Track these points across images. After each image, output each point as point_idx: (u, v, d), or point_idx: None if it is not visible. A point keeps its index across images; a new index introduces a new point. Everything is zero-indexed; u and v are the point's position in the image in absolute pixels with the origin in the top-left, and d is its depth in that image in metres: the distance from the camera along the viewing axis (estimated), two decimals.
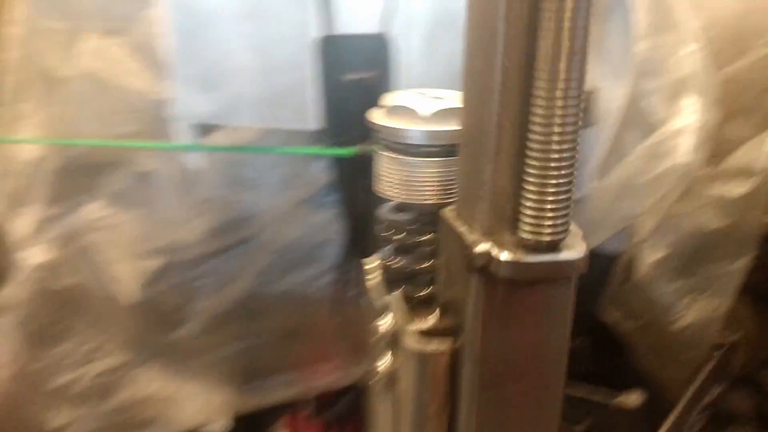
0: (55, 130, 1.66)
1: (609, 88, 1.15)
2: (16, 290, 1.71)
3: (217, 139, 1.33)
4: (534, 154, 0.34)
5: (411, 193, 0.39)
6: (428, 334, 0.30)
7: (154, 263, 1.63)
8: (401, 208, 0.40)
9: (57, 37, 1.61)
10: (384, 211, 0.40)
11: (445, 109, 0.42)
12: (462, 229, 0.30)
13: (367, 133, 1.07)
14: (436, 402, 0.31)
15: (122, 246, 1.67)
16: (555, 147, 0.34)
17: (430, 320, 0.30)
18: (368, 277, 0.39)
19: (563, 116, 0.33)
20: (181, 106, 1.20)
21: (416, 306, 0.33)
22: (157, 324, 1.68)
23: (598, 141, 1.21)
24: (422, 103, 0.41)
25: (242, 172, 1.49)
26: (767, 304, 2.38)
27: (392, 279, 0.37)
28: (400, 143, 0.41)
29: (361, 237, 1.19)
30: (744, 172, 1.29)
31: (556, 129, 0.34)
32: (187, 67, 1.18)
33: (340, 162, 1.14)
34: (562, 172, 0.32)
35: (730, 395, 2.32)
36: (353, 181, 1.10)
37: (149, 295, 1.64)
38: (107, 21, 1.54)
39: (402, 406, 0.33)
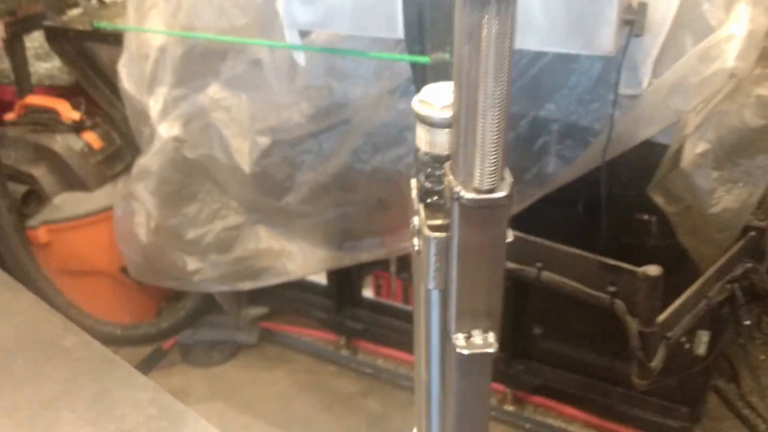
0: (180, 22, 1.89)
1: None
2: (152, 159, 2.04)
3: (315, 41, 1.54)
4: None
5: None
6: (435, 228, 0.50)
7: (265, 140, 1.89)
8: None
9: None
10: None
11: None
12: (450, 177, 0.48)
13: (440, 44, 1.26)
14: (441, 266, 0.52)
15: (239, 124, 1.94)
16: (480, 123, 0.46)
17: (437, 220, 0.50)
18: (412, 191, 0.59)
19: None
20: (287, 15, 1.41)
21: (433, 210, 0.53)
22: (268, 191, 1.97)
23: (651, 46, 1.34)
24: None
25: (339, 65, 1.70)
26: None
27: (424, 193, 0.55)
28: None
29: None
30: None
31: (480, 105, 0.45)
32: None
33: (418, 67, 1.33)
34: (491, 142, 0.48)
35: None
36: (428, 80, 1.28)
37: (261, 167, 1.92)
38: None
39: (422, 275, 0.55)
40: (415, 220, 0.57)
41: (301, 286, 2.30)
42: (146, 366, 2.38)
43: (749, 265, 1.44)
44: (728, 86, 1.36)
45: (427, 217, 0.55)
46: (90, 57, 2.19)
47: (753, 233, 1.44)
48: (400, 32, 1.23)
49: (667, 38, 1.36)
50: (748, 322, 1.98)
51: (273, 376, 2.38)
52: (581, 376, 1.97)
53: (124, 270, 2.20)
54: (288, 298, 2.42)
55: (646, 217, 1.60)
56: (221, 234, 2.10)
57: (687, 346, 1.69)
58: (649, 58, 1.33)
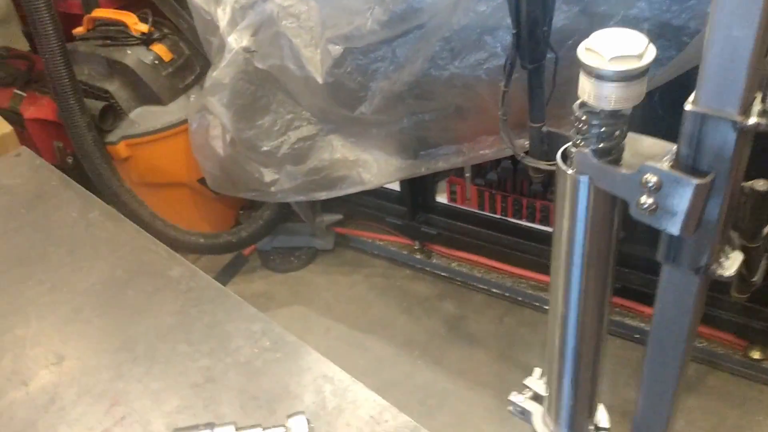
0: None
1: None
2: (224, 71, 2.01)
3: None
4: None
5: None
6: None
7: (337, 48, 1.84)
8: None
9: None
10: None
11: None
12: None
13: None
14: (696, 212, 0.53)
15: (309, 32, 1.88)
16: None
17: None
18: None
19: None
20: None
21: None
22: (342, 101, 1.94)
23: None
24: None
25: None
26: None
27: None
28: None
29: (527, 34, 1.31)
30: None
31: None
32: None
33: None
34: None
35: None
36: None
37: (334, 76, 1.87)
38: None
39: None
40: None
41: (375, 193, 2.30)
42: (229, 272, 2.47)
43: None
44: None
45: None
46: None
47: None
48: None
49: None
50: None
51: (350, 280, 2.44)
52: None
53: (202, 181, 2.23)
54: (362, 205, 2.44)
55: None
56: (296, 145, 2.10)
57: None
58: None
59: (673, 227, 0.51)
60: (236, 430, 0.78)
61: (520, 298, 2.25)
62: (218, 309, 1.00)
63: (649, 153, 0.54)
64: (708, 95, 0.47)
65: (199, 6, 1.97)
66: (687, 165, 0.50)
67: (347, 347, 2.17)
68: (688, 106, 0.48)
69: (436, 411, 1.97)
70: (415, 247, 2.43)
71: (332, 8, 1.81)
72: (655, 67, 1.54)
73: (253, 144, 2.08)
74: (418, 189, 2.31)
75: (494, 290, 2.29)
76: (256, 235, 2.37)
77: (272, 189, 2.16)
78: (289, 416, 0.79)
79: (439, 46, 1.71)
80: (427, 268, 2.41)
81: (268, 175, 2.13)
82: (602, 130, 0.53)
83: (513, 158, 2.03)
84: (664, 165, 0.51)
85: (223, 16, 1.97)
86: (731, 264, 0.56)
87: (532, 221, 2.12)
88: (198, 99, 2.17)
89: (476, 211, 2.24)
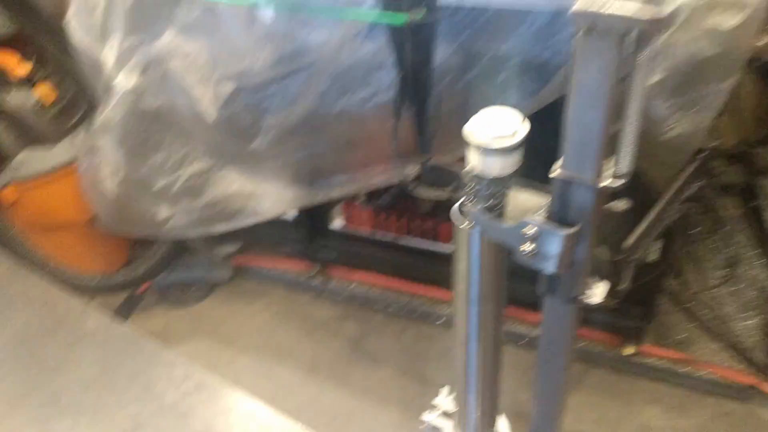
0: None
1: None
2: (113, 111, 2.01)
3: None
4: None
5: None
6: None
7: (228, 86, 1.89)
8: None
9: None
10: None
11: None
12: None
13: (414, 3, 1.28)
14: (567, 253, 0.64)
15: (199, 71, 1.92)
16: None
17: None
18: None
19: None
20: None
21: None
22: (235, 136, 1.98)
23: None
24: None
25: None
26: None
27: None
28: None
29: (411, 76, 1.43)
30: (736, 5, 1.47)
31: None
32: None
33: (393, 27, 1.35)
34: None
35: (726, 168, 2.67)
36: (404, 40, 1.32)
37: (227, 113, 1.92)
38: None
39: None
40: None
41: (272, 221, 2.34)
42: (125, 311, 2.44)
43: (701, 183, 1.57)
44: (677, 17, 1.43)
45: None
46: (31, 4, 2.10)
47: (705, 153, 1.56)
48: None
49: None
50: (697, 229, 2.15)
51: (251, 309, 2.48)
52: None
53: (93, 221, 2.20)
54: (259, 234, 2.47)
55: None
56: (190, 180, 2.12)
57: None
58: None
59: (550, 267, 0.63)
60: None
61: (416, 315, 2.37)
62: (138, 356, 1.03)
63: (527, 206, 0.65)
64: (570, 163, 0.59)
65: (84, 47, 1.96)
66: (557, 218, 0.62)
67: (254, 376, 2.20)
68: (554, 173, 0.60)
69: (344, 429, 2.04)
70: (314, 272, 2.50)
71: (222, 48, 1.86)
72: (525, 97, 1.71)
73: (146, 182, 2.08)
74: (314, 215, 2.38)
75: (392, 308, 2.39)
76: (152, 271, 2.36)
77: (167, 226, 2.16)
78: None
79: (328, 83, 1.80)
80: (327, 292, 2.49)
81: (163, 212, 2.14)
82: (488, 192, 0.63)
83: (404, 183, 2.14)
84: (540, 218, 0.62)
85: (109, 57, 1.96)
86: (598, 292, 0.67)
87: (424, 239, 2.25)
88: (86, 139, 2.14)
89: (371, 233, 2.34)
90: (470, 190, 0.64)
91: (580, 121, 0.55)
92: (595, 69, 0.52)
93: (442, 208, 2.16)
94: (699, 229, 2.46)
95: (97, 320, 1.08)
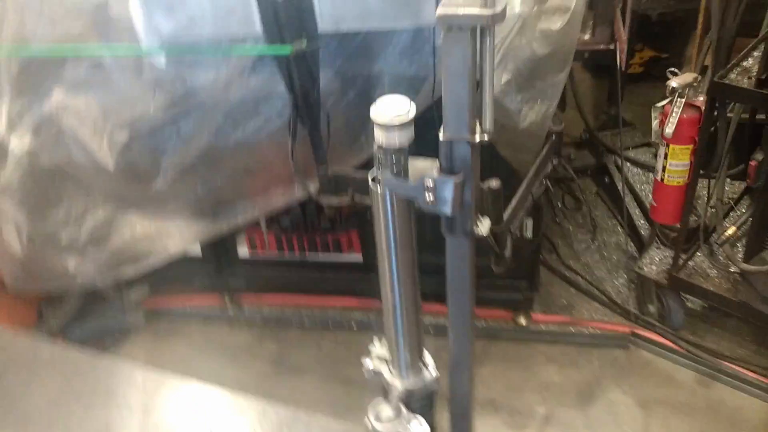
0: (9, 35, 1.90)
1: None
2: (10, 174, 2.05)
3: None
4: None
5: None
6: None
7: (123, 134, 1.99)
8: None
9: None
10: None
11: None
12: None
13: (297, 34, 1.48)
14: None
15: (92, 124, 2.01)
16: None
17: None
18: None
19: None
20: (147, 26, 1.53)
21: None
22: (135, 181, 2.08)
23: None
24: None
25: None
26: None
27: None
28: None
29: (302, 99, 1.60)
30: (560, 9, 1.78)
31: None
32: None
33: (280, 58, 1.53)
34: None
35: (578, 154, 3.03)
36: (291, 68, 1.49)
37: (125, 160, 2.01)
38: None
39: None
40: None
41: (178, 258, 2.44)
42: None
43: (555, 161, 1.86)
44: (517, 25, 1.71)
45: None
46: None
47: (554, 136, 1.84)
48: (257, 29, 1.43)
49: None
50: (560, 206, 2.46)
51: (169, 349, 2.54)
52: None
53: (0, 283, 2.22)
54: (166, 274, 2.54)
55: None
56: (94, 229, 2.19)
57: (518, 233, 2.11)
58: None
59: (447, 210, 0.83)
60: None
61: (330, 325, 2.53)
62: (96, 371, 1.13)
63: (423, 167, 0.85)
64: (450, 128, 0.79)
65: None
66: (447, 171, 0.82)
67: None
68: (441, 136, 0.80)
69: None
70: (226, 303, 2.61)
71: (111, 99, 1.95)
72: None
73: (51, 237, 2.13)
74: (219, 247, 2.49)
75: (307, 323, 2.54)
76: (63, 325, 2.39)
77: (77, 277, 2.21)
78: None
79: (221, 119, 1.95)
80: (242, 319, 2.60)
81: (72, 264, 2.19)
82: (394, 160, 0.83)
83: (302, 203, 2.31)
84: (434, 173, 0.82)
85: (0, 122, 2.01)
86: (484, 227, 0.88)
87: (328, 253, 2.43)
88: None
89: (276, 256, 2.48)
90: (379, 161, 0.84)
91: (453, 95, 0.77)
92: (458, 55, 0.74)
93: (344, 220, 2.35)
94: (562, 207, 2.79)
95: (50, 349, 1.18)
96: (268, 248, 2.47)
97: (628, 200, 2.65)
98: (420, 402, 1.03)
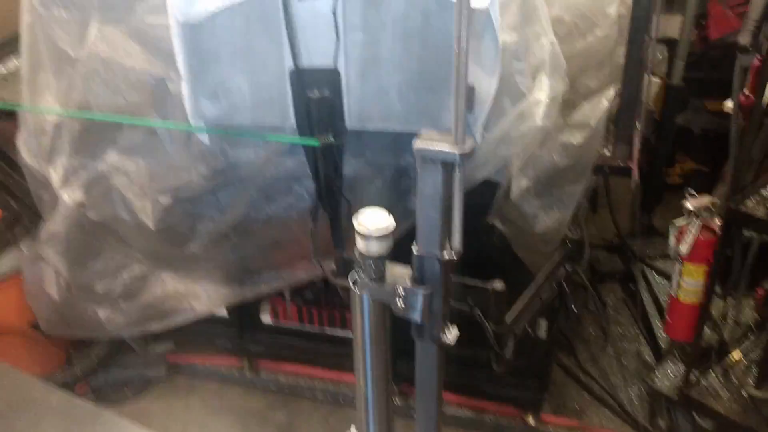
0: (74, 100, 2.08)
1: (484, 82, 1.68)
2: (58, 224, 2.21)
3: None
4: None
5: None
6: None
7: (166, 199, 2.13)
8: None
9: (68, 25, 1.99)
10: None
11: None
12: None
13: (325, 130, 1.60)
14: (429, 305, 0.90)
15: (140, 186, 2.16)
16: None
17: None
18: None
19: None
20: (193, 108, 1.69)
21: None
22: (172, 242, 2.21)
23: (480, 114, 1.75)
24: None
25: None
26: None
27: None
28: None
29: (324, 187, 1.72)
30: (582, 125, 1.87)
31: None
32: (197, 85, 1.65)
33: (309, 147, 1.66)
34: None
35: (608, 258, 3.05)
36: (318, 158, 1.62)
37: (165, 222, 2.15)
38: (107, 11, 1.93)
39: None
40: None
41: (204, 318, 2.55)
42: None
43: (569, 268, 1.90)
44: (539, 136, 1.80)
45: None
46: None
47: (569, 244, 1.90)
48: (292, 121, 1.56)
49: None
50: (575, 311, 2.49)
51: (185, 404, 2.62)
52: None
53: (34, 326, 2.35)
54: (191, 331, 2.65)
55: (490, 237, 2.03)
56: (129, 283, 2.32)
57: (531, 332, 2.15)
58: (479, 121, 1.73)
59: (416, 317, 0.91)
60: None
61: (341, 399, 2.57)
62: (99, 424, 1.23)
63: (399, 275, 0.93)
64: (422, 243, 0.88)
65: (31, 167, 2.17)
66: (418, 282, 0.90)
67: None
68: (414, 251, 0.88)
69: None
70: (244, 365, 2.69)
71: (160, 165, 2.11)
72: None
73: (88, 287, 2.27)
74: (243, 311, 2.59)
75: (318, 395, 2.59)
76: (88, 370, 2.50)
77: (107, 326, 2.34)
78: None
79: (255, 193, 2.08)
80: (257, 384, 2.67)
81: (103, 314, 2.32)
82: (373, 266, 0.91)
83: (324, 278, 2.39)
84: (407, 283, 0.90)
85: (55, 175, 2.18)
86: (452, 335, 0.95)
87: (345, 329, 2.50)
88: (31, 249, 2.32)
89: (297, 325, 2.56)
90: (359, 266, 0.92)
91: (426, 216, 0.85)
92: (431, 182, 0.82)
93: None
94: (579, 312, 2.80)
95: (59, 397, 1.27)
96: (289, 318, 2.56)
97: (651, 310, 2.66)
98: None
